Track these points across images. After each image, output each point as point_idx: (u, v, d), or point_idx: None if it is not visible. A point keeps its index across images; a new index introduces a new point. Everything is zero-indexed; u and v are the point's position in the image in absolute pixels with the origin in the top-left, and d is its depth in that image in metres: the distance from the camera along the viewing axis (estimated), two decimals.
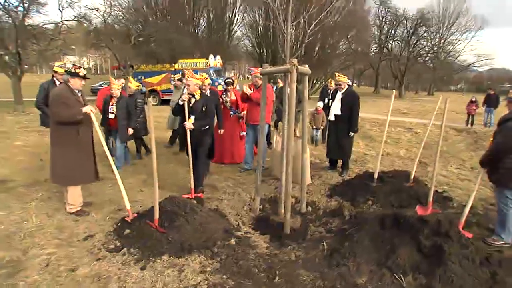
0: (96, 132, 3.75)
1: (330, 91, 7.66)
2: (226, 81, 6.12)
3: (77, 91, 3.76)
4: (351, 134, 5.48)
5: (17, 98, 13.66)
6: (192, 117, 4.39)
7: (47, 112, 4.73)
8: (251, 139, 5.80)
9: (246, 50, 34.38)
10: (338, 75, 5.49)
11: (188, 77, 4.47)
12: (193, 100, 4.40)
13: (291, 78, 3.45)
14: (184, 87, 6.64)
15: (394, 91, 5.05)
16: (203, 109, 4.43)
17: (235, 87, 7.43)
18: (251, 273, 2.76)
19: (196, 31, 28.04)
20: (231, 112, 6.05)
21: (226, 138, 6.04)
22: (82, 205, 3.92)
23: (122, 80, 6.38)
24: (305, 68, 3.74)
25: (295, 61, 3.43)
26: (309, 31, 4.24)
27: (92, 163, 3.95)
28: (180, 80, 7.09)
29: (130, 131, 5.51)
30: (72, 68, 3.68)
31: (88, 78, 3.82)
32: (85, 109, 3.58)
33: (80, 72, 3.67)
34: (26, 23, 14.24)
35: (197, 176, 4.52)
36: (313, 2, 11.77)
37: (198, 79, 4.51)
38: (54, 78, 5.26)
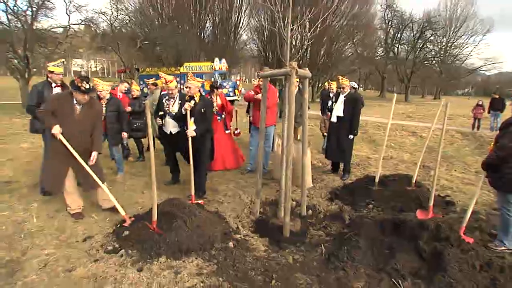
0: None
1: (331, 93, 7.68)
2: (211, 84, 5.99)
3: (75, 103, 3.60)
4: (351, 137, 5.48)
5: (25, 101, 13.89)
6: (192, 119, 4.44)
7: (40, 117, 4.13)
8: (256, 141, 5.80)
9: (251, 54, 34.47)
10: (342, 78, 5.51)
11: (189, 79, 4.50)
12: (192, 102, 4.44)
13: (290, 81, 3.45)
14: (161, 91, 6.44)
15: (395, 94, 5.02)
16: (202, 111, 4.47)
17: (240, 91, 7.41)
18: (247, 276, 2.75)
19: (202, 35, 28.22)
20: (218, 117, 5.96)
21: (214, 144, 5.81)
22: (81, 208, 3.93)
23: (126, 84, 6.46)
24: (305, 71, 3.73)
25: (294, 64, 3.43)
26: (309, 34, 4.26)
27: (63, 177, 3.71)
28: (154, 84, 6.70)
29: (125, 135, 5.36)
30: (76, 81, 3.49)
31: (94, 90, 3.65)
32: (54, 130, 3.46)
33: (82, 86, 3.45)
34: (34, 27, 14.52)
35: (199, 183, 4.58)
36: (318, 5, 11.82)
37: (199, 81, 4.54)
38: (49, 79, 4.41)
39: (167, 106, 4.69)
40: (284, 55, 4.11)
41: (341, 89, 5.47)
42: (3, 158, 6.31)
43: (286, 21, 3.91)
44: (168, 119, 4.70)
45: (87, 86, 3.49)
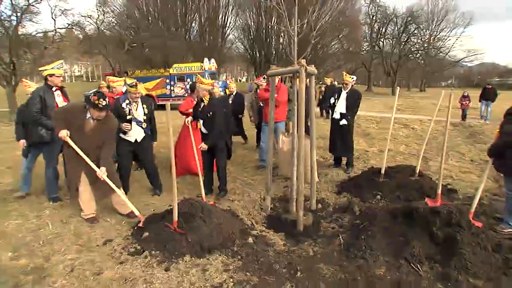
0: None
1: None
2: (191, 85, 5.80)
3: (89, 117, 3.59)
4: (344, 121, 5.54)
5: (12, 108, 13.57)
6: (201, 121, 4.56)
7: (45, 124, 4.16)
8: (267, 136, 5.89)
9: (238, 53, 34.50)
10: (345, 75, 5.61)
11: (199, 84, 4.53)
12: (202, 105, 4.53)
13: (300, 78, 3.53)
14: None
15: (398, 88, 5.17)
16: (208, 115, 4.48)
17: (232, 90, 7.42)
18: (273, 269, 2.83)
19: (189, 35, 28.08)
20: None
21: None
22: (95, 212, 3.90)
23: (124, 88, 6.41)
24: (313, 69, 3.83)
25: (303, 61, 3.51)
26: (315, 31, 4.30)
27: (78, 177, 3.73)
28: (108, 87, 6.30)
29: None
30: (92, 98, 3.43)
31: (109, 109, 3.62)
32: (60, 134, 3.49)
33: (99, 103, 3.42)
34: (19, 32, 14.19)
35: (221, 182, 4.77)
36: (318, 2, 11.89)
37: (207, 84, 4.57)
38: (49, 83, 4.27)
39: (130, 111, 4.39)
40: (290, 53, 4.19)
41: (344, 85, 5.59)
42: (1, 166, 6.21)
43: (289, 18, 3.98)
44: (134, 125, 4.42)
45: (104, 103, 3.45)
